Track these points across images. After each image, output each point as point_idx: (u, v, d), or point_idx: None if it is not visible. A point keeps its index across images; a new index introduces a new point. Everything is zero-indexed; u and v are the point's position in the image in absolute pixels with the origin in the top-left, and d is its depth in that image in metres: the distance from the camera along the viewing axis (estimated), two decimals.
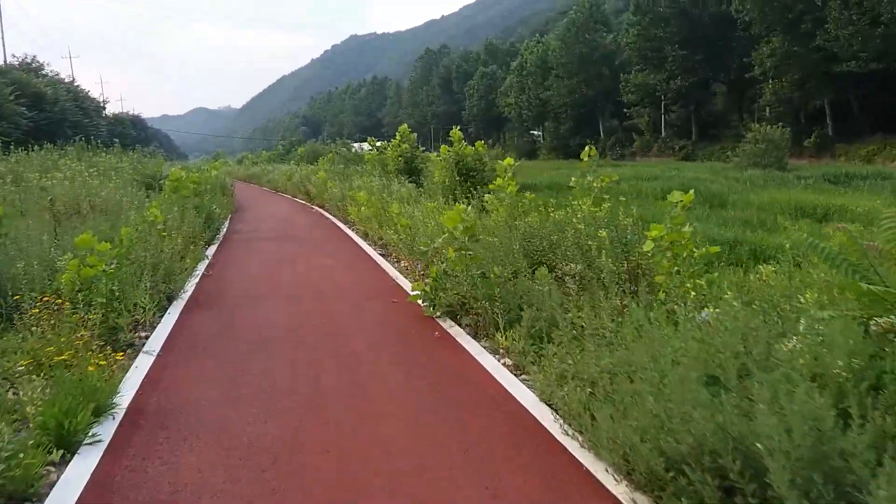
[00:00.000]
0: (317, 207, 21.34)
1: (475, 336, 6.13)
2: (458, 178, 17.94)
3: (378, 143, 27.55)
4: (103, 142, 52.47)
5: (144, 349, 5.80)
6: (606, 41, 64.16)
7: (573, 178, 9.73)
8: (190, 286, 8.55)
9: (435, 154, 26.63)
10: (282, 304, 7.84)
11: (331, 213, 18.74)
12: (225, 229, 15.30)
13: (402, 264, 10.26)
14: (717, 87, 60.88)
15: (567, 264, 6.73)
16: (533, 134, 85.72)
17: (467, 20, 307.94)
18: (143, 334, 6.29)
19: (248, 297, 8.26)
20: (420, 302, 7.11)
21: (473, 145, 20.00)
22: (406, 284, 8.61)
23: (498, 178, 11.31)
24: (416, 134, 25.57)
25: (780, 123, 37.05)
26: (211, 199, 15.57)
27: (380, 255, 11.47)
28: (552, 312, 4.84)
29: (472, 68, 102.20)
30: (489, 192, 11.64)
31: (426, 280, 7.33)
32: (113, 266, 6.22)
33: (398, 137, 24.60)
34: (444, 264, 7.20)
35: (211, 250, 12.48)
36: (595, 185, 9.28)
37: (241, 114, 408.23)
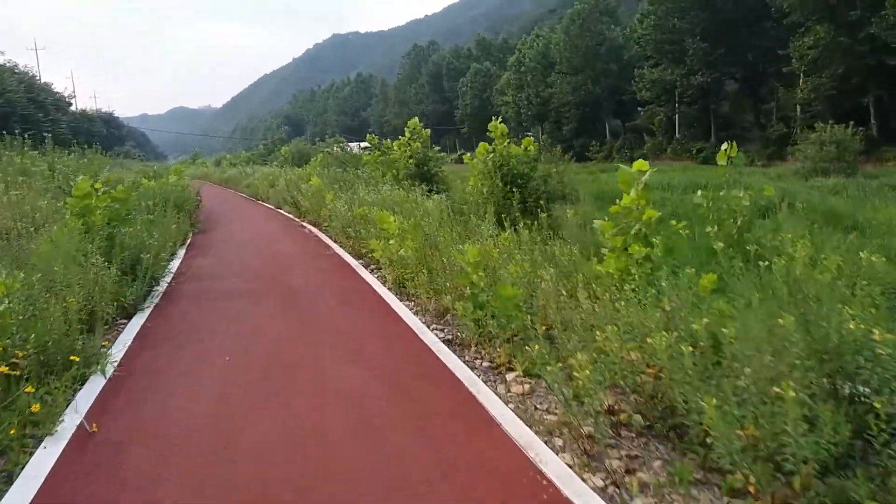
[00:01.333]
0: (309, 226, 15.79)
1: None
2: (503, 189, 12.68)
3: (382, 142, 22.36)
4: (62, 139, 46.35)
5: None
6: (614, 34, 59.06)
7: (699, 193, 6.39)
8: None
9: (437, 150, 21.34)
10: None
11: (334, 240, 13.15)
12: (173, 272, 9.68)
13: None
14: (728, 85, 56.15)
15: None
16: (528, 134, 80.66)
17: (451, 20, 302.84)
18: None
19: None
20: None
21: (466, 147, 15.03)
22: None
23: (625, 196, 6.07)
24: (429, 130, 20.20)
25: (817, 123, 32.03)
26: (153, 223, 9.98)
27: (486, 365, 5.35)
28: None
29: (464, 65, 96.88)
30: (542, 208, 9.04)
31: None
32: None
33: (407, 134, 19.29)
34: None
35: (125, 340, 6.21)
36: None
37: (222, 113, 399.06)
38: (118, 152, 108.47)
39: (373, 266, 10.05)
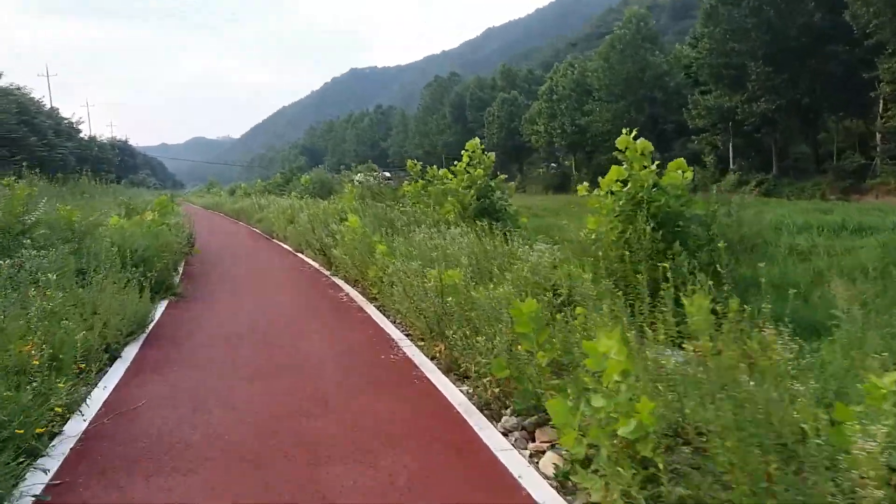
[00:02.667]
0: (348, 288, 10.60)
1: None
2: (651, 238, 7.62)
3: (426, 170, 17.56)
4: (59, 165, 41.92)
5: None
6: (658, 60, 54.38)
7: None
8: None
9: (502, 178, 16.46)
10: None
11: (409, 331, 7.72)
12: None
13: None
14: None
15: None
16: (551, 165, 75.98)
17: (466, 55, 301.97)
18: None
19: None
20: None
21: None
22: None
23: None
24: (493, 154, 15.19)
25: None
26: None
27: None
28: None
29: (488, 95, 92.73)
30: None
31: None
32: None
33: (465, 159, 14.28)
34: None
35: None
36: None
37: (240, 143, 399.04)
38: (132, 180, 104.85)
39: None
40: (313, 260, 14.43)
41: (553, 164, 76.34)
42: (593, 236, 8.35)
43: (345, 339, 7.28)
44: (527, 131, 71.05)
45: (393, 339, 7.11)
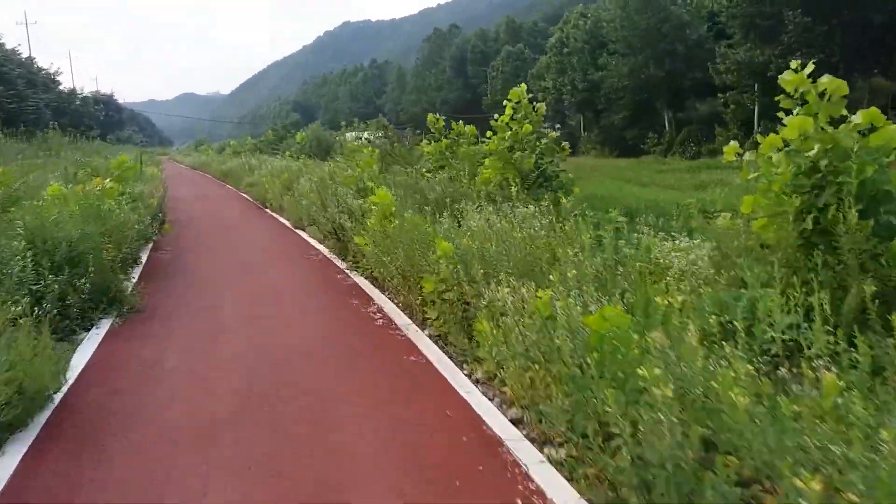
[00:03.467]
0: (376, 293, 7.28)
1: None
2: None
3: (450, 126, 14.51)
4: (36, 120, 38.08)
5: None
6: (679, 11, 50.33)
7: None
8: None
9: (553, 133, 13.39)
10: None
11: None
12: None
13: None
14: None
15: None
16: (556, 126, 72.07)
17: (466, 8, 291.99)
18: None
19: None
20: None
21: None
22: None
23: None
24: (543, 105, 11.86)
25: None
26: None
27: None
28: None
29: (490, 49, 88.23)
30: None
31: None
32: None
33: (509, 111, 11.02)
34: None
35: None
36: None
37: (230, 99, 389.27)
38: (118, 137, 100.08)
39: None
40: (320, 242, 11.17)
41: (557, 125, 72.43)
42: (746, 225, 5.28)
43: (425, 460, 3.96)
44: (534, 87, 66.94)
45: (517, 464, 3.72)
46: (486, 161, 11.34)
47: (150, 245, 10.45)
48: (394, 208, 8.01)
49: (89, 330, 5.74)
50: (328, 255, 9.97)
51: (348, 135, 33.35)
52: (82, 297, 5.64)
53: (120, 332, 5.83)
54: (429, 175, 11.95)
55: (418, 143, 22.61)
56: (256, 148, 37.22)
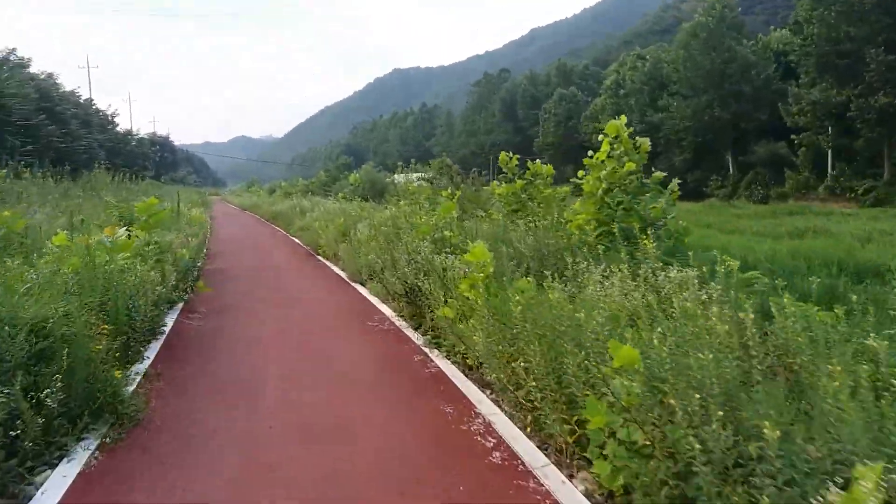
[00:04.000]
0: (534, 445, 4.40)
1: None
2: None
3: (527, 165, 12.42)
4: (88, 160, 37.61)
5: None
6: (745, 51, 47.89)
7: None
8: None
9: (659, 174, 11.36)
10: None
11: None
12: None
13: None
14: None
15: None
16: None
17: (511, 55, 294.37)
18: None
19: None
20: None
21: None
22: None
23: None
24: (647, 140, 9.49)
25: None
26: None
27: None
28: None
29: (541, 92, 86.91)
30: None
31: None
32: None
33: (607, 147, 8.87)
34: None
35: None
36: None
37: (283, 142, 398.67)
38: (172, 177, 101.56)
39: None
40: (383, 301, 9.10)
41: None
42: None
43: None
44: (587, 129, 64.99)
45: None
46: (577, 205, 9.27)
47: (181, 305, 8.49)
48: (491, 269, 5.89)
49: (56, 465, 3.69)
50: (396, 322, 7.86)
51: (397, 177, 31.72)
52: (47, 415, 3.61)
53: (102, 467, 3.77)
54: (509, 223, 9.85)
55: (484, 184, 20.62)
56: (308, 189, 35.94)
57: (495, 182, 14.81)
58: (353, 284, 11.02)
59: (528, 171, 12.62)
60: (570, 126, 70.01)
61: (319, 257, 14.96)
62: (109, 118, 57.93)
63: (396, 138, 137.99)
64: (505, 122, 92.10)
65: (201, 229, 14.67)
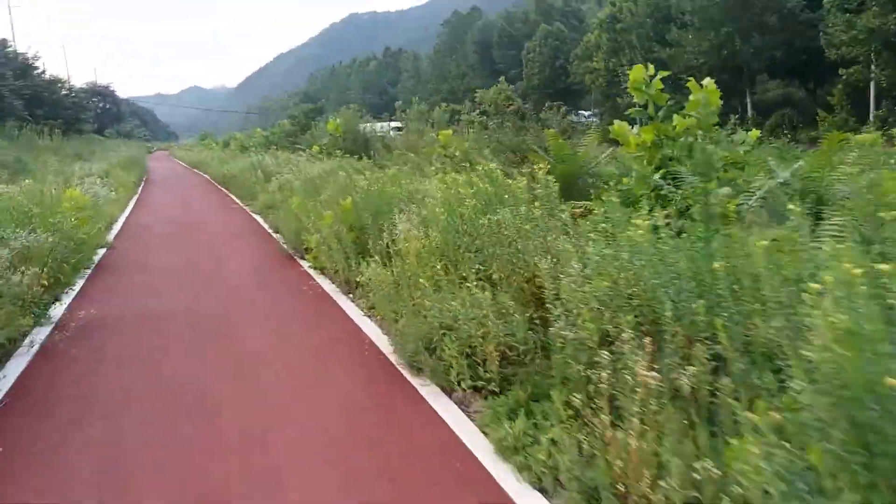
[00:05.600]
0: None
1: None
2: None
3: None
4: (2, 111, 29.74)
5: None
6: None
7: None
8: None
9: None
10: None
11: None
12: None
13: None
14: None
15: None
16: (582, 113, 62.86)
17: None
18: None
19: None
20: None
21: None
22: None
23: None
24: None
25: None
26: None
27: None
28: None
29: (519, 32, 79.20)
30: None
31: None
32: None
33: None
34: None
35: None
36: None
37: (236, 93, 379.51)
38: (119, 131, 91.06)
39: None
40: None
41: (584, 112, 63.03)
42: None
43: None
44: (577, 70, 58.07)
45: None
46: None
47: None
48: None
49: None
50: None
51: (380, 125, 24.96)
52: None
53: None
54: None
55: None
56: (269, 142, 28.37)
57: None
58: (403, 372, 4.44)
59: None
60: (558, 67, 62.95)
61: (307, 268, 8.18)
62: (30, 62, 48.58)
63: (359, 85, 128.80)
64: (480, 67, 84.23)
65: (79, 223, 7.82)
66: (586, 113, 61.89)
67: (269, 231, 11.54)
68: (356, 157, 18.58)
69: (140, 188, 20.66)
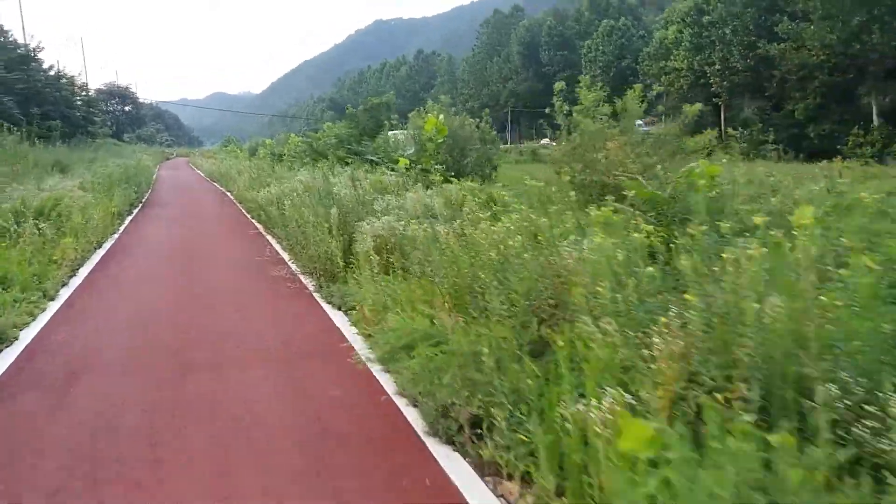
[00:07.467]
0: None
1: None
2: None
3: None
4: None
5: None
6: None
7: None
8: None
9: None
10: None
11: None
12: None
13: None
14: None
15: None
16: (641, 123, 55.41)
17: (497, 4, 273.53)
18: None
19: None
20: None
21: None
22: None
23: None
24: None
25: None
26: None
27: None
28: None
29: (571, 31, 71.95)
30: None
31: None
32: None
33: None
34: None
35: None
36: None
37: (261, 99, 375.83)
38: (139, 136, 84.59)
39: None
40: None
41: (643, 122, 55.72)
42: None
43: None
44: (650, 70, 50.55)
45: None
46: None
47: None
48: None
49: None
50: None
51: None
52: None
53: None
54: None
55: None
56: (314, 150, 21.03)
57: None
58: None
59: None
60: (624, 68, 55.46)
61: None
62: (31, 53, 42.14)
63: (389, 90, 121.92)
64: (525, 69, 77.07)
65: None
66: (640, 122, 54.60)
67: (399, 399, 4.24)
68: (456, 175, 11.55)
69: (121, 229, 13.52)
